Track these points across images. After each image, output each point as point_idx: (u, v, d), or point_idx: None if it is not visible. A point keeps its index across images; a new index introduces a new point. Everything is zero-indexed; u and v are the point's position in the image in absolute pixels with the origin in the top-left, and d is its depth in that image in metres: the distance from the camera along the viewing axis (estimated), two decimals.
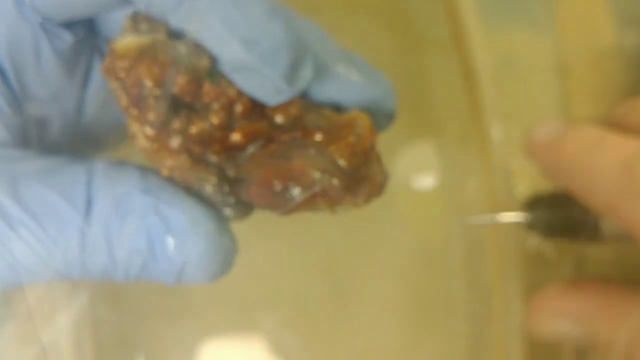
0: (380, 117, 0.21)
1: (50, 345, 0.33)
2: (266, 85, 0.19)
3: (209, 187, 0.19)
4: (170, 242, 0.19)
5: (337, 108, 0.21)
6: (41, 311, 0.32)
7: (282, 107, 0.19)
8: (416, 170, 0.40)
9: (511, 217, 0.31)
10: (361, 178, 0.20)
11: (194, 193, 0.20)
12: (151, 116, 0.19)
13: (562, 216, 0.30)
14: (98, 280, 0.19)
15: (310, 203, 0.20)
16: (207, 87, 0.19)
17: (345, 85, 0.20)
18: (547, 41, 0.40)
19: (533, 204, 0.31)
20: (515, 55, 0.40)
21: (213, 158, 0.19)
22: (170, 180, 0.20)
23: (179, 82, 0.18)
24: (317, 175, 0.19)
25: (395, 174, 0.39)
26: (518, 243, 0.37)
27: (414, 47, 0.40)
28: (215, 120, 0.19)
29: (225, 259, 0.20)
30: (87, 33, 0.21)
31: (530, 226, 0.31)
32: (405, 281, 0.39)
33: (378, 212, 0.36)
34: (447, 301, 0.39)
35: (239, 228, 0.20)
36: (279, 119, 0.19)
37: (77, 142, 0.23)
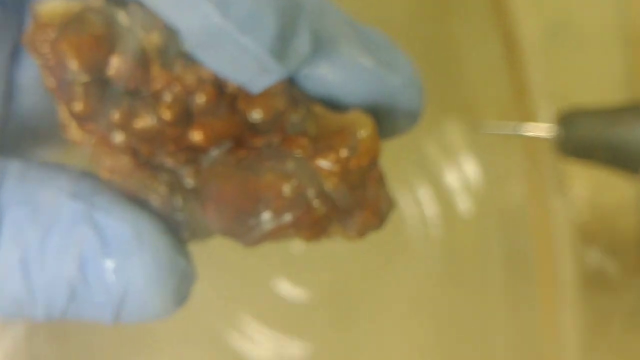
0: (399, 117, 0.19)
1: None
2: (247, 61, 0.17)
3: (156, 199, 0.18)
4: (109, 262, 0.17)
5: (336, 106, 0.19)
6: None
7: (263, 100, 0.18)
8: (444, 165, 0.37)
9: (539, 129, 0.29)
10: (355, 204, 0.18)
11: (140, 204, 0.18)
12: (77, 107, 0.17)
13: (602, 137, 0.28)
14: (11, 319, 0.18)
15: (283, 233, 0.18)
16: (156, 71, 0.17)
17: (349, 70, 0.18)
18: (610, 2, 0.38)
19: (568, 119, 0.29)
20: (570, 21, 0.38)
21: (168, 161, 0.18)
22: (111, 185, 0.18)
23: (114, 64, 0.17)
24: (292, 197, 0.17)
25: (419, 169, 0.37)
26: (575, 260, 0.35)
27: (443, 12, 0.38)
28: (166, 114, 0.17)
29: (181, 285, 0.18)
30: (13, 4, 0.20)
31: (562, 145, 0.29)
32: (426, 303, 0.36)
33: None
34: (483, 332, 0.36)
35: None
36: (256, 115, 0.18)
37: (12, 134, 0.21)
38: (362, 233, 0.19)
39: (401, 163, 0.36)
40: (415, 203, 0.36)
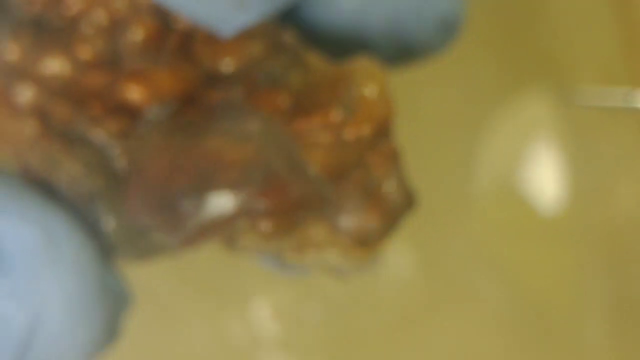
0: (424, 24, 0.18)
1: None
2: None
3: (65, 183, 0.15)
4: (6, 283, 0.15)
5: (341, 51, 0.18)
6: None
7: (235, 45, 0.16)
8: (518, 155, 0.30)
9: None
10: (351, 195, 0.16)
11: (50, 193, 0.16)
12: None
13: None
14: None
15: (231, 223, 0.15)
16: None
17: None
18: None
19: None
20: None
21: (96, 133, 0.15)
22: (9, 166, 0.16)
23: None
24: (248, 169, 0.15)
25: (475, 158, 0.29)
26: None
27: None
28: (83, 52, 0.15)
29: (111, 313, 0.15)
30: None
31: None
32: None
33: (448, 234, 0.28)
34: None
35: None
36: (225, 66, 0.16)
37: None
38: (360, 240, 0.16)
39: (444, 144, 0.29)
40: (468, 211, 0.28)
